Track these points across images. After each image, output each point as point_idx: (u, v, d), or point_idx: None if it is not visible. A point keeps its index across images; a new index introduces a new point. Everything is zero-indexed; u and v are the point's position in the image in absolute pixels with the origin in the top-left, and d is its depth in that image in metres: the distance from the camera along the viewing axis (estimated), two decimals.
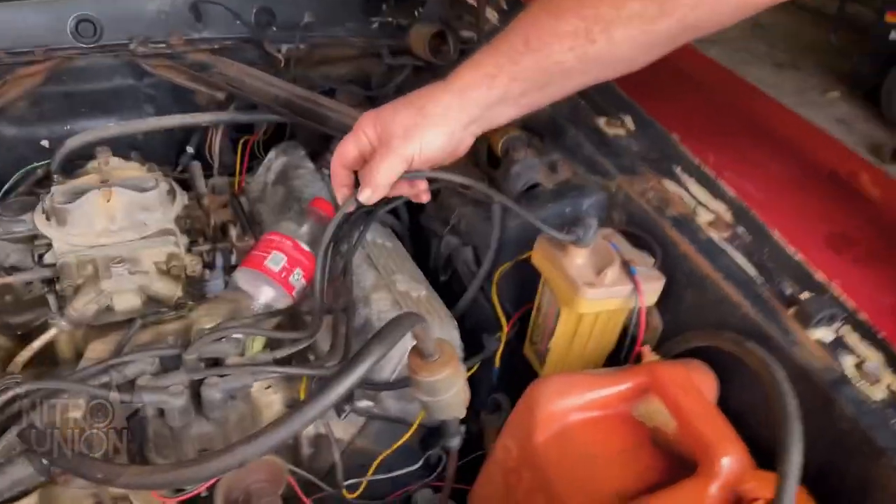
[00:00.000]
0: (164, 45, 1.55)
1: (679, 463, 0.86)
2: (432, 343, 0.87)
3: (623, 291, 1.02)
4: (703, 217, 1.10)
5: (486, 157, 1.30)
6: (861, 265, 1.05)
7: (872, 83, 4.20)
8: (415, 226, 1.42)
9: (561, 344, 1.09)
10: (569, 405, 0.89)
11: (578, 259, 1.03)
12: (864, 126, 4.10)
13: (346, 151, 0.99)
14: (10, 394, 0.84)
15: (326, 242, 1.08)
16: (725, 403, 0.92)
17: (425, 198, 1.07)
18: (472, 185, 1.12)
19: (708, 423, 0.81)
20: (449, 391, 0.89)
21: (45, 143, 1.50)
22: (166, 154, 1.64)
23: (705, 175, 1.16)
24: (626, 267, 1.03)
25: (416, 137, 0.93)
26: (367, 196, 0.96)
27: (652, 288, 1.04)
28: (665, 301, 1.06)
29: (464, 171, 1.27)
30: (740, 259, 1.03)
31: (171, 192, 1.16)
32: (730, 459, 0.78)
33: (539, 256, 1.08)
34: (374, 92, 1.67)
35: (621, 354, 1.07)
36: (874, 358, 0.88)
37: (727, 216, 1.10)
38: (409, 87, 1.64)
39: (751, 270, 1.01)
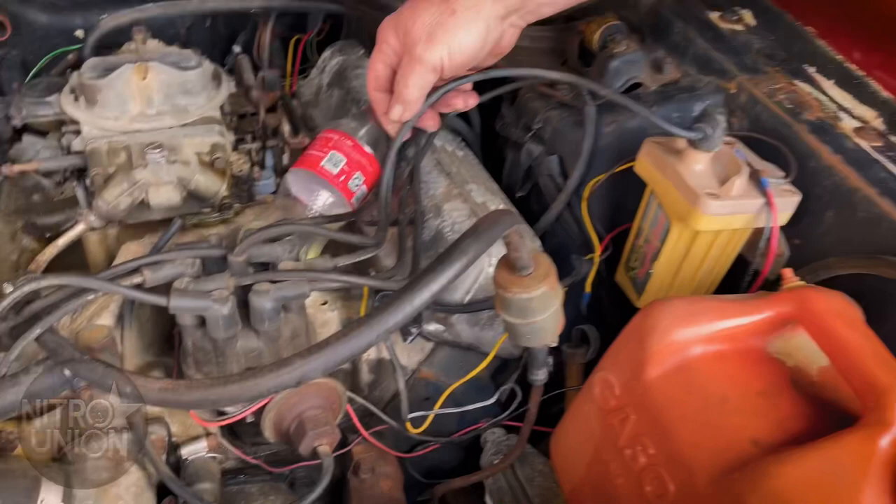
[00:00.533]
0: None
1: (825, 411, 0.70)
2: (528, 253, 0.71)
3: (751, 206, 0.85)
4: (847, 123, 0.92)
5: (577, 51, 1.11)
6: None
7: None
8: (486, 134, 1.24)
9: (667, 268, 0.92)
10: (691, 335, 0.73)
11: (698, 165, 0.86)
12: None
13: (377, 72, 0.86)
14: (27, 288, 0.70)
15: (396, 147, 0.92)
16: None
17: (472, 102, 0.93)
18: (564, 80, 0.95)
19: (880, 362, 0.65)
20: (543, 312, 0.74)
21: (79, 32, 1.35)
22: (211, 53, 1.47)
23: (849, 75, 0.97)
24: (756, 178, 0.86)
25: (442, 39, 0.78)
26: (397, 114, 0.84)
27: (785, 205, 0.87)
28: (797, 223, 0.89)
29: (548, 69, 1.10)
30: None
31: (217, 77, 1.00)
32: None
33: (646, 163, 0.91)
34: None
35: (740, 284, 0.90)
36: None
37: (878, 123, 0.91)
38: None
39: None
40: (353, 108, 1.23)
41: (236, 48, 1.47)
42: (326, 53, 1.38)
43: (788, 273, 0.77)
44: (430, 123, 0.93)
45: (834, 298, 0.71)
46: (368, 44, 1.40)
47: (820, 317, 0.69)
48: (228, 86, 1.02)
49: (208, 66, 0.98)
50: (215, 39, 1.49)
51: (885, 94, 0.93)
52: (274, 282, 0.76)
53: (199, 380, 0.60)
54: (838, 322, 0.68)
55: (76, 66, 1.15)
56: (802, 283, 0.76)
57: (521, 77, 1.10)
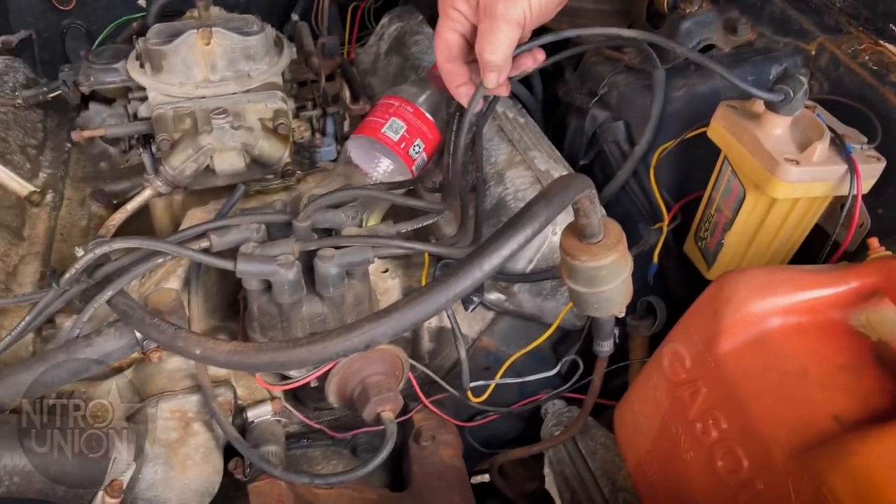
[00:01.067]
0: None
1: None
2: (598, 219, 0.69)
3: (833, 174, 0.81)
4: None
5: (646, 13, 1.07)
6: None
7: None
8: (547, 100, 1.21)
9: (740, 238, 0.89)
10: (769, 307, 0.70)
11: (777, 130, 0.82)
12: None
13: (447, 42, 0.81)
14: (99, 251, 0.71)
15: (469, 116, 0.90)
16: None
17: (541, 57, 0.88)
18: (637, 38, 0.91)
19: None
20: (613, 281, 0.72)
21: (141, 1, 1.37)
22: (269, 21, 1.46)
23: None
24: (839, 143, 0.81)
25: None
26: (494, 80, 0.80)
27: (869, 172, 0.82)
28: (881, 191, 0.84)
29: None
30: None
31: (278, 43, 1.00)
32: None
33: (720, 128, 0.87)
34: None
35: (819, 256, 0.86)
36: None
37: None
38: None
39: None
40: (412, 75, 1.21)
41: (295, 16, 1.47)
42: (384, 20, 1.37)
43: (874, 242, 0.73)
44: (503, 89, 0.90)
45: None
46: (426, 9, 1.38)
47: None
48: (290, 52, 1.01)
49: (270, 31, 0.97)
50: (273, 7, 1.49)
51: None
52: (338, 247, 0.75)
53: (267, 342, 0.60)
54: None
55: (140, 33, 1.17)
56: (889, 252, 0.72)
57: (589, 38, 1.06)
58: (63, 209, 1.05)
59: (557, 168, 1.00)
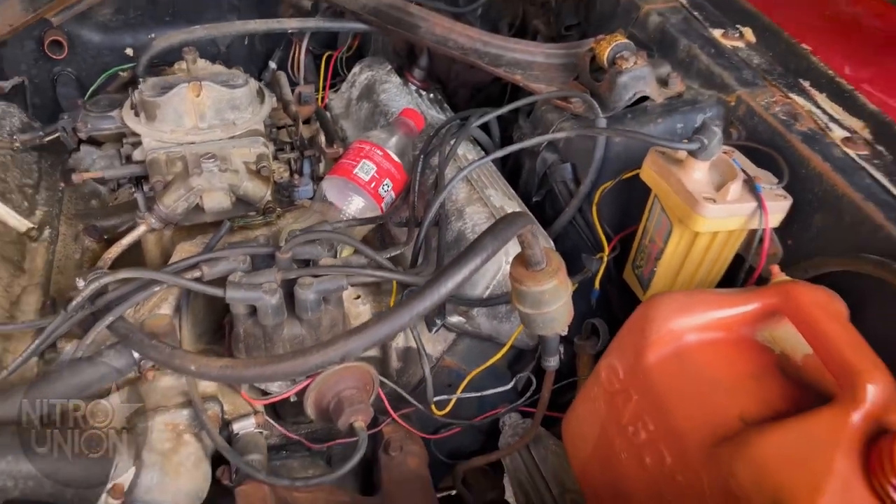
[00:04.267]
0: None
1: (809, 393, 0.78)
2: (540, 250, 0.80)
3: (746, 210, 0.93)
4: (837, 133, 1.00)
5: (588, 67, 1.20)
6: None
7: None
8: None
9: (669, 266, 1.01)
10: (687, 324, 0.81)
11: (697, 173, 0.94)
12: None
13: None
14: (99, 283, 0.81)
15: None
16: None
17: None
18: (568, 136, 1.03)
19: (852, 348, 0.73)
20: (555, 304, 0.83)
21: (129, 51, 1.48)
22: (248, 68, 1.59)
23: (840, 88, 1.04)
24: (750, 184, 0.94)
25: None
26: None
27: (777, 208, 0.95)
28: (789, 225, 0.97)
29: (562, 85, 1.20)
30: (883, 179, 0.92)
31: (261, 94, 1.11)
32: (876, 387, 0.69)
33: (650, 171, 1.00)
34: (461, 9, 1.58)
35: (737, 280, 0.98)
36: None
37: (865, 133, 0.99)
38: (498, 8, 1.56)
39: None
40: (381, 120, 1.33)
41: (272, 64, 1.58)
42: (356, 69, 1.48)
43: (776, 269, 0.85)
44: None
45: (816, 292, 0.79)
46: (394, 60, 1.51)
47: (803, 309, 0.77)
48: (270, 102, 1.12)
49: (253, 84, 1.08)
50: (253, 56, 1.60)
51: (872, 106, 1.00)
52: (316, 276, 0.85)
53: (255, 358, 0.69)
54: (819, 313, 0.76)
55: (130, 82, 1.27)
56: (788, 278, 0.84)
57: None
58: (59, 244, 1.14)
59: (511, 204, 1.12)
